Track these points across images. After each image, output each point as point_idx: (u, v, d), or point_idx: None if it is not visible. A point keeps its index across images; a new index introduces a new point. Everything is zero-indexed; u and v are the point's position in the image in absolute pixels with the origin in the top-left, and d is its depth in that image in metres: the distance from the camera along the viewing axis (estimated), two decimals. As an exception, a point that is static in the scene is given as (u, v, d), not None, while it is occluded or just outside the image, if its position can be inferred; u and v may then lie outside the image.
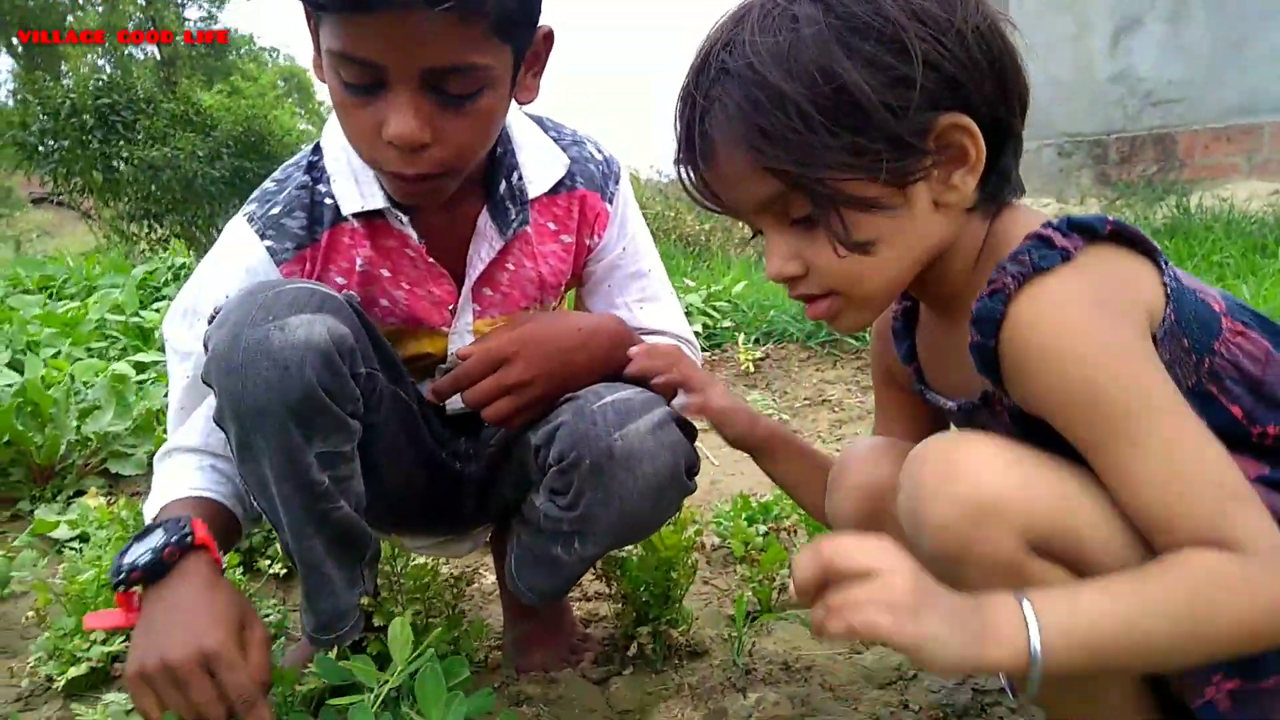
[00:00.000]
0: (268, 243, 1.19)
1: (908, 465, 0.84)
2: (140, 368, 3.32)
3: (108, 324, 3.86)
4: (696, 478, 1.19)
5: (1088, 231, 0.80)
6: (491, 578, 1.82)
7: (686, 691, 1.25)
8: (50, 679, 1.46)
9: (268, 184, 1.25)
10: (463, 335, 1.28)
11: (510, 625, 1.50)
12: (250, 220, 1.21)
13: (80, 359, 3.31)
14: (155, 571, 1.05)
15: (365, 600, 1.22)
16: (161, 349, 3.65)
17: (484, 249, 1.25)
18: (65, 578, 1.59)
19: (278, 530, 1.14)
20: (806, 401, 3.24)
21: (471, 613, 1.67)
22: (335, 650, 1.20)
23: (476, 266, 1.25)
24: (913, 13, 0.80)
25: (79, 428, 2.46)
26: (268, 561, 1.85)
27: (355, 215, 1.20)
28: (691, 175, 0.91)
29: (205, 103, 11.31)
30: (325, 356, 1.03)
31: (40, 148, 9.89)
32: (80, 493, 2.39)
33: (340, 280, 1.22)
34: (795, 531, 1.84)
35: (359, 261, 1.22)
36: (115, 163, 9.89)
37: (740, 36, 0.83)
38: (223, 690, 1.01)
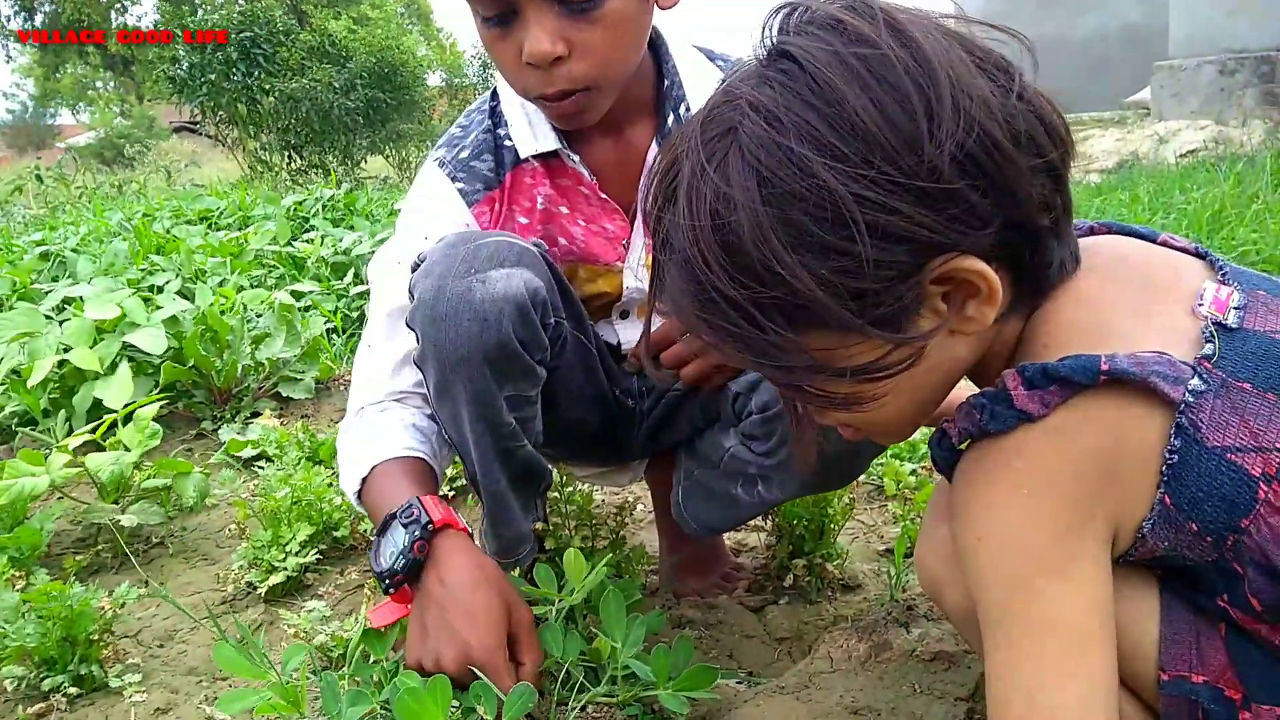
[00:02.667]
0: (459, 185, 1.24)
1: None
2: (298, 296, 3.50)
3: (265, 254, 4.07)
4: None
5: (1068, 384, 0.67)
6: (644, 505, 1.90)
7: (847, 624, 1.30)
8: (252, 585, 1.61)
9: (453, 129, 1.31)
10: (636, 270, 1.31)
11: (667, 552, 1.57)
12: (441, 165, 1.26)
13: (244, 287, 3.52)
14: (414, 569, 1.10)
15: (539, 526, 1.30)
16: (315, 278, 3.85)
17: None
18: (261, 494, 1.74)
19: (465, 462, 1.21)
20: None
21: (629, 539, 1.75)
22: (517, 570, 1.30)
23: None
24: (854, 171, 0.63)
25: (253, 353, 2.63)
26: (436, 484, 1.96)
27: (533, 156, 1.24)
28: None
29: (337, 33, 11.59)
30: (521, 309, 1.08)
31: (190, 81, 10.36)
32: (256, 414, 2.57)
33: (523, 220, 1.27)
34: (945, 471, 1.84)
35: (539, 200, 1.26)
36: (257, 95, 10.29)
37: (677, 204, 0.70)
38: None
